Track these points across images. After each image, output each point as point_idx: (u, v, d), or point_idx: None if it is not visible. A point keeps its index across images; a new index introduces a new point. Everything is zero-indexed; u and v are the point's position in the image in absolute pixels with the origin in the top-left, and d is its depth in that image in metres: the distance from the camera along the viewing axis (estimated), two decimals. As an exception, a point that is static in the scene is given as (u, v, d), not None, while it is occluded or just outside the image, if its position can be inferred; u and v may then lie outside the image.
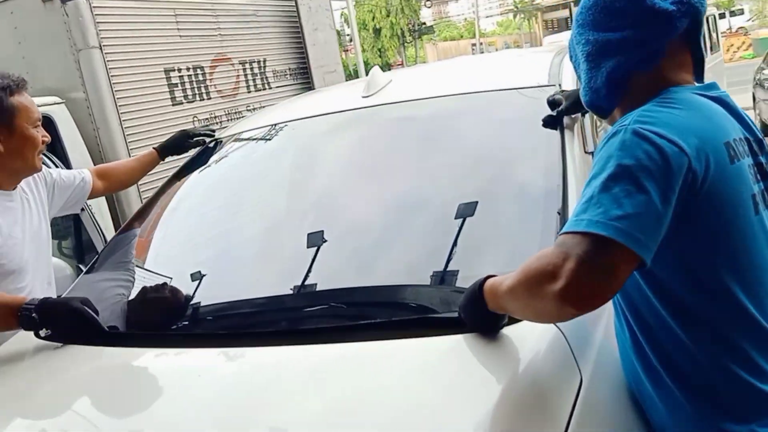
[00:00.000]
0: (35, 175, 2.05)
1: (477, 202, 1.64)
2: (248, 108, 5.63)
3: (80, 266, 2.76)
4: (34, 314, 1.54)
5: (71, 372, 1.50)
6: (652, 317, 1.14)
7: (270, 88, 5.94)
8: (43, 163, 2.09)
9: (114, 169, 2.47)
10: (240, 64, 5.59)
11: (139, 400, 1.33)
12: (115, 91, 4.37)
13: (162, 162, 2.52)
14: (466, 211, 1.63)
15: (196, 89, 5.07)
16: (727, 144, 1.10)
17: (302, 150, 2.18)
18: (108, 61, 4.32)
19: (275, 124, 2.27)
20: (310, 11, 6.40)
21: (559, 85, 1.92)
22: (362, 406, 1.14)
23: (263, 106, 5.79)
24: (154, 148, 2.51)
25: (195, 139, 2.42)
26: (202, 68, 5.15)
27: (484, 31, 50.45)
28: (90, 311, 1.52)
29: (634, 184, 0.99)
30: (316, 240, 1.67)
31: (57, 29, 4.19)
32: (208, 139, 2.41)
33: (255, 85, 5.76)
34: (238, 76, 5.55)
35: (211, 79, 5.23)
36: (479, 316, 1.19)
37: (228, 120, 5.36)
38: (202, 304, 1.70)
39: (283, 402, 1.20)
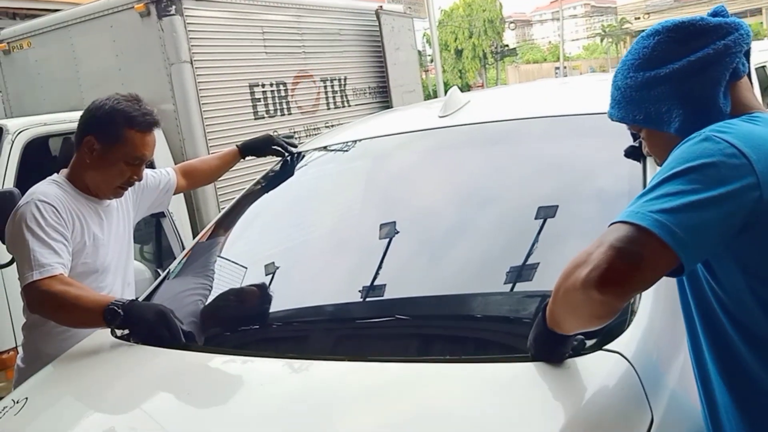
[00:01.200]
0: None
1: (556, 223, 1.61)
2: (327, 125, 5.74)
3: (159, 270, 2.87)
4: (120, 311, 1.61)
5: (142, 371, 1.55)
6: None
7: (349, 105, 6.04)
8: None
9: (198, 167, 2.51)
10: (321, 81, 5.71)
11: (204, 403, 1.36)
12: (202, 104, 4.54)
13: (243, 160, 2.55)
14: (546, 231, 1.60)
15: (278, 104, 5.21)
16: None
17: (380, 167, 2.20)
18: (197, 75, 4.51)
19: (355, 141, 2.30)
20: (393, 31, 6.48)
21: None
22: (422, 428, 1.12)
23: (342, 124, 5.90)
24: (237, 145, 2.53)
25: (276, 146, 2.43)
26: (284, 84, 5.29)
27: (569, 55, 49.69)
28: (174, 318, 1.58)
29: (687, 183, 0.98)
30: (393, 251, 1.68)
31: (152, 43, 4.41)
32: (288, 152, 2.41)
33: (335, 103, 5.87)
34: (318, 92, 5.67)
35: (292, 95, 5.36)
36: (542, 339, 1.16)
37: (307, 136, 5.47)
38: (272, 315, 1.72)
39: (344, 417, 1.20)
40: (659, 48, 1.15)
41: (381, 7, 6.42)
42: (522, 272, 1.50)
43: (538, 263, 1.53)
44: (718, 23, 1.13)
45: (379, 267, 1.65)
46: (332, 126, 5.77)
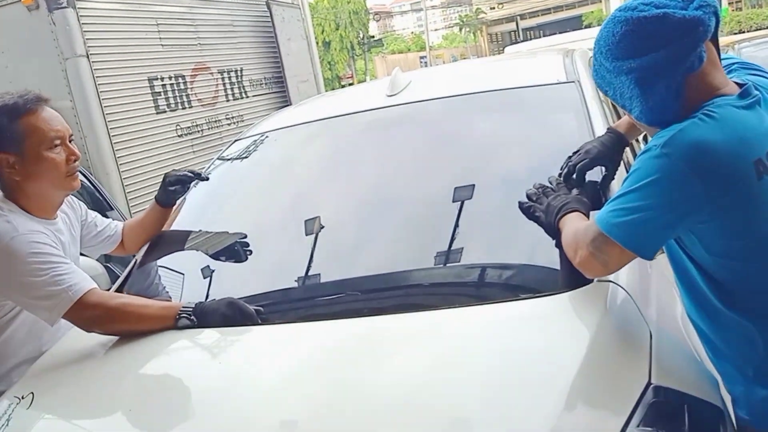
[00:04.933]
0: (73, 205, 2.01)
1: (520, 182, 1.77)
2: (227, 117, 5.68)
3: (107, 265, 2.78)
4: (193, 317, 1.63)
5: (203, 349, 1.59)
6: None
7: (247, 96, 6.01)
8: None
9: (139, 229, 2.23)
10: (219, 73, 5.65)
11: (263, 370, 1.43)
12: (102, 99, 4.38)
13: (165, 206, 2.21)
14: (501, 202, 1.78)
15: (178, 98, 5.10)
16: (757, 161, 1.19)
17: (341, 145, 2.28)
18: (95, 69, 4.34)
19: (307, 122, 2.37)
20: (284, 21, 6.50)
21: (578, 81, 2.08)
22: (464, 360, 1.26)
23: (241, 116, 5.86)
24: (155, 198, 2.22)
25: (173, 186, 2.16)
26: (183, 77, 5.19)
27: (431, 45, 51.17)
28: (246, 305, 1.61)
29: (643, 199, 1.18)
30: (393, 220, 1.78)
31: (43, 38, 4.19)
32: (196, 176, 2.21)
33: (233, 94, 5.82)
34: (217, 85, 5.60)
35: (192, 88, 5.27)
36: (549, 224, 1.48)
37: (209, 129, 5.40)
38: (305, 283, 1.78)
39: (386, 361, 1.31)
40: (624, 40, 1.26)
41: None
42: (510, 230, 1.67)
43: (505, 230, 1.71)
44: (679, 20, 1.20)
45: (390, 238, 1.77)
46: (233, 118, 5.73)
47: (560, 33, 11.08)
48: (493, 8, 50.51)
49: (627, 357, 1.22)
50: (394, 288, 1.65)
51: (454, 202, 1.82)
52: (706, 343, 1.36)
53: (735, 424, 1.31)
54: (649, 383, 1.16)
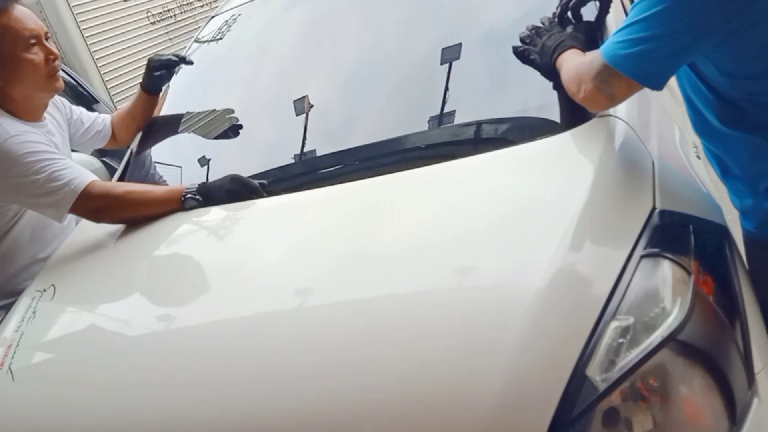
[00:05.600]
0: (57, 105, 1.96)
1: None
2: (199, -3, 5.42)
3: (104, 159, 2.76)
4: (198, 197, 1.65)
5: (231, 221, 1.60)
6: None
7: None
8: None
9: (128, 119, 2.19)
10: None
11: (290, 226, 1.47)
12: (67, -10, 4.15)
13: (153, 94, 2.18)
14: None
15: (145, -18, 4.84)
16: None
17: (320, 13, 2.19)
18: (53, -40, 4.07)
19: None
20: None
21: None
22: (471, 206, 1.27)
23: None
24: (140, 84, 2.18)
25: (158, 71, 2.13)
26: (147, -41, 4.89)
27: None
28: (249, 179, 1.63)
29: (651, 28, 1.13)
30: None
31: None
32: (181, 60, 2.19)
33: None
34: (183, -37, 5.29)
35: (158, -30, 4.98)
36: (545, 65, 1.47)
37: (182, 13, 5.17)
38: (306, 153, 1.77)
39: (392, 216, 1.33)
40: None
41: None
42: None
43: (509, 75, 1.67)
44: None
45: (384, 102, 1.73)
46: (205, -1, 5.46)
47: None
48: None
49: (631, 185, 1.23)
50: (392, 153, 1.64)
51: (443, 63, 1.77)
52: (715, 163, 1.37)
53: (742, 237, 1.35)
54: (653, 208, 1.18)
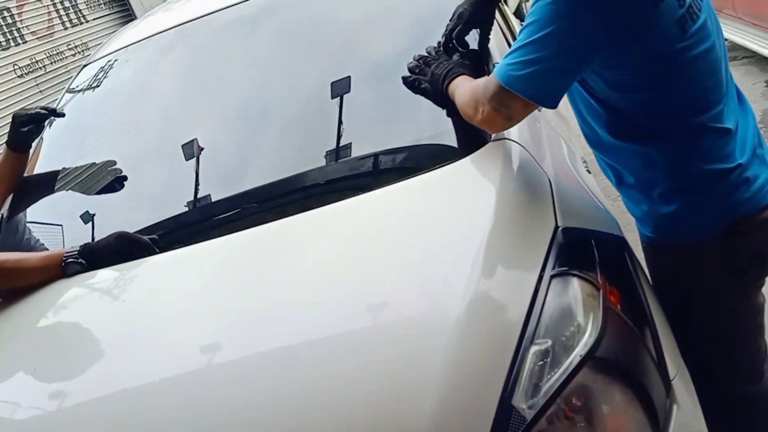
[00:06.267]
0: None
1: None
2: (70, 47, 5.16)
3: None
4: (80, 260, 1.51)
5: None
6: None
7: (86, 21, 5.46)
8: None
9: None
10: (48, -1, 5.07)
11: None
12: None
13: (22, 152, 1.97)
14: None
15: (8, 34, 4.55)
16: None
17: (200, 53, 2.11)
18: None
19: (158, 33, 2.17)
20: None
21: None
22: (376, 240, 1.24)
23: (85, 44, 5.35)
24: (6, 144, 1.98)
25: (26, 126, 1.93)
26: (8, 9, 4.60)
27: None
28: (138, 235, 1.52)
29: (541, 50, 1.16)
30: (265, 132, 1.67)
31: None
32: (51, 112, 2.01)
33: (70, 21, 5.27)
34: (49, 13, 5.03)
35: (21, 21, 4.70)
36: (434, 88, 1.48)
37: (51, 63, 4.90)
38: (198, 202, 1.67)
39: (297, 257, 1.27)
40: None
41: None
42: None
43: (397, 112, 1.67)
44: None
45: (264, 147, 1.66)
46: (76, 47, 5.22)
47: None
48: None
49: (533, 206, 1.24)
50: (291, 192, 1.58)
51: (333, 97, 1.74)
52: (610, 173, 1.41)
53: (641, 241, 1.38)
54: (557, 226, 1.19)
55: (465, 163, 1.37)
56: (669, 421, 1.03)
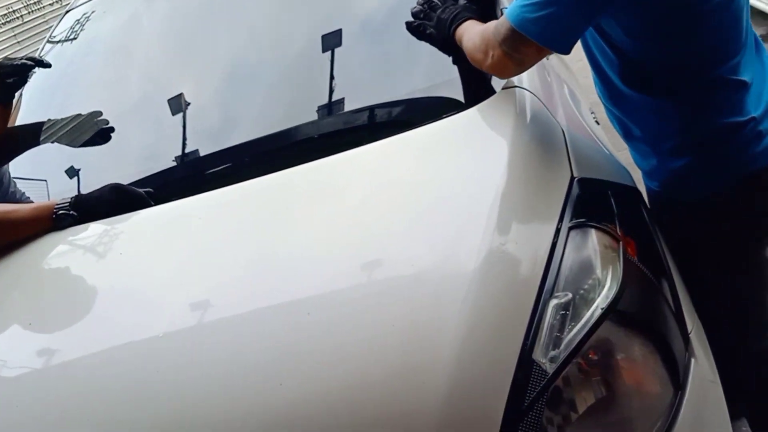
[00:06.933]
0: None
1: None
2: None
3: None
4: (71, 211, 1.45)
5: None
6: None
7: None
8: None
9: None
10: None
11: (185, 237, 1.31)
12: None
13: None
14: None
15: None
16: None
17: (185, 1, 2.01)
18: None
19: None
20: None
21: None
22: (386, 194, 1.18)
23: (62, -7, 5.15)
24: None
25: (10, 78, 1.79)
26: (-19, -45, 4.41)
27: None
28: (132, 187, 1.46)
29: None
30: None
31: None
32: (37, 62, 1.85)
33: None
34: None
35: (-5, -33, 4.50)
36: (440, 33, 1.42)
37: (29, 13, 4.72)
38: (191, 154, 1.60)
39: (301, 213, 1.22)
40: None
41: None
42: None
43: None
44: None
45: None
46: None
47: None
48: None
49: (547, 156, 1.20)
50: (288, 145, 1.51)
51: (324, 51, 1.67)
52: (618, 125, 1.37)
53: (646, 195, 1.35)
54: (572, 177, 1.15)
55: (474, 113, 1.32)
56: (687, 374, 1.01)
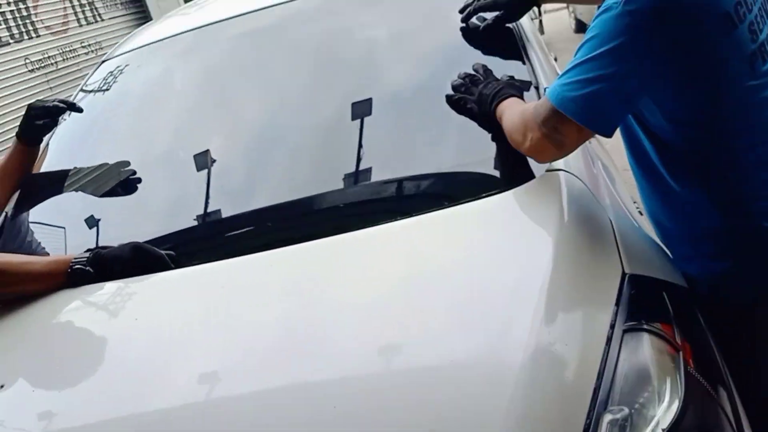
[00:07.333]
0: None
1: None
2: (83, 45, 5.07)
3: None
4: (88, 268, 1.38)
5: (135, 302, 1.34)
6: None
7: (102, 20, 5.37)
8: None
9: (3, 175, 1.83)
10: (65, -6, 4.98)
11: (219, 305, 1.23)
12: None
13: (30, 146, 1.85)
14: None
15: (21, 26, 4.45)
16: (725, 15, 1.05)
17: (218, 58, 1.99)
18: None
19: (177, 34, 2.06)
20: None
21: None
22: (424, 278, 1.11)
23: (99, 43, 5.26)
24: (16, 135, 1.85)
25: (41, 119, 1.82)
26: (24, 1, 4.51)
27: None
28: (154, 248, 1.39)
29: (611, 65, 1.04)
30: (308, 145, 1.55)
31: None
32: (68, 107, 1.90)
33: (85, 18, 5.17)
34: (65, 8, 4.94)
35: (36, 14, 4.61)
36: (481, 108, 1.38)
37: (64, 60, 4.80)
38: (221, 218, 1.53)
39: (334, 289, 1.14)
40: None
41: None
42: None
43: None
44: None
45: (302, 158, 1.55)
46: (89, 46, 5.12)
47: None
48: None
49: (596, 247, 1.12)
50: (318, 212, 1.45)
51: (354, 119, 1.62)
52: (658, 228, 1.30)
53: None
54: (624, 273, 1.07)
55: (516, 194, 1.24)
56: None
